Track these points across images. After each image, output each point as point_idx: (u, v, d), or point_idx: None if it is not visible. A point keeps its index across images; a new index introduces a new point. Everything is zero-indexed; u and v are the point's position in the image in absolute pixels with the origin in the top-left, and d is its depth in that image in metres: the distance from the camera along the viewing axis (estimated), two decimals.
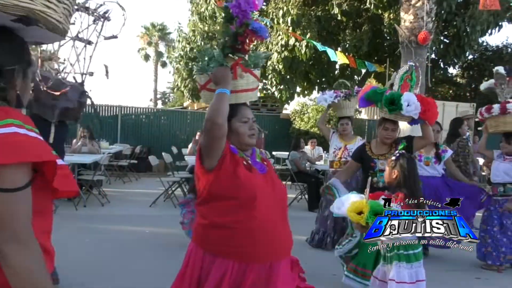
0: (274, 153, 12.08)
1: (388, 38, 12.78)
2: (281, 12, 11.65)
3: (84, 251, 4.93)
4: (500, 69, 5.10)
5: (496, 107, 4.89)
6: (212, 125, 1.98)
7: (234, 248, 2.00)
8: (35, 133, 1.13)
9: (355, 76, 14.29)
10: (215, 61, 2.18)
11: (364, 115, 16.79)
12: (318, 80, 13.67)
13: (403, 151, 3.14)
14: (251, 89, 2.23)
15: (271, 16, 11.96)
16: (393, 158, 3.06)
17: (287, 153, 9.79)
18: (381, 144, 3.89)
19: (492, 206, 4.95)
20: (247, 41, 2.18)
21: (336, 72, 13.66)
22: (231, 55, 2.21)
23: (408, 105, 3.55)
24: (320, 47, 10.62)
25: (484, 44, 16.62)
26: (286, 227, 2.13)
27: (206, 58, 2.22)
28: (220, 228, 2.03)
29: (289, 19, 11.44)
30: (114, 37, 2.03)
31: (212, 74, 2.12)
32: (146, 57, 33.28)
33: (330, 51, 10.68)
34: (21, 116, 1.14)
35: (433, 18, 9.45)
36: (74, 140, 9.19)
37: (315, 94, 14.23)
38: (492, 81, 5.22)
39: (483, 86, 5.48)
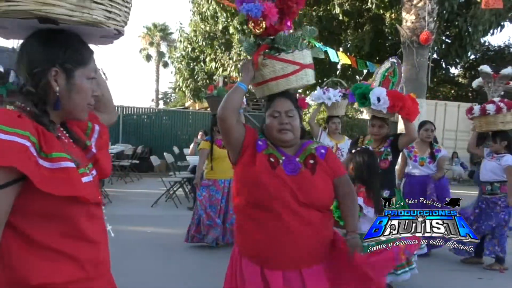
0: None
1: (389, 38, 12.78)
2: None
3: None
4: (485, 68, 5.19)
5: (476, 108, 5.00)
6: (218, 118, 1.98)
7: (251, 250, 1.92)
8: (15, 135, 1.08)
9: (357, 76, 14.28)
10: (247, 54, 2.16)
11: (365, 115, 16.79)
12: (320, 80, 13.67)
13: (367, 146, 3.26)
14: (281, 76, 2.03)
15: None
16: (353, 151, 3.19)
17: None
18: (373, 140, 4.00)
19: (483, 204, 4.98)
20: (252, 26, 2.05)
21: (337, 72, 13.65)
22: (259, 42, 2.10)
23: (377, 99, 3.60)
24: (321, 47, 10.60)
25: (486, 44, 16.61)
26: (313, 234, 1.89)
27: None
28: (240, 227, 1.98)
29: None
30: None
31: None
32: (148, 57, 33.33)
33: (331, 52, 10.68)
34: (6, 118, 1.10)
35: (435, 18, 9.44)
36: None
37: None
38: (481, 79, 5.30)
39: (475, 83, 5.58)
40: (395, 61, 3.89)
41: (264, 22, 2.01)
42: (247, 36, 2.24)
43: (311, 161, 1.97)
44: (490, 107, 4.82)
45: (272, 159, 1.95)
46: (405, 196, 5.05)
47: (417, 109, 3.74)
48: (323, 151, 2.01)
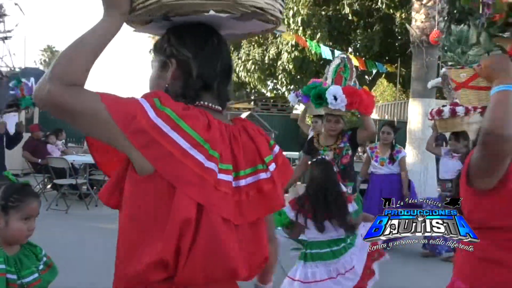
0: (284, 153, 12.09)
1: (399, 38, 12.72)
2: (291, 12, 11.64)
3: (95, 251, 4.97)
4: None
5: (446, 110, 5.07)
6: (495, 139, 1.40)
7: None
8: None
9: (366, 76, 14.22)
10: (479, 48, 1.65)
11: (375, 115, 16.71)
12: None
13: (323, 156, 3.27)
14: None
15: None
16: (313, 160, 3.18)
17: (297, 153, 9.78)
18: (328, 136, 3.90)
19: (440, 202, 5.07)
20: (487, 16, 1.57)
21: None
22: (501, 35, 1.61)
23: (334, 99, 3.53)
24: (325, 52, 10.52)
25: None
26: None
27: (460, 45, 1.67)
28: (498, 266, 1.52)
29: (299, 19, 11.43)
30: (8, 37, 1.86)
31: (482, 67, 1.55)
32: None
33: (337, 54, 10.64)
34: None
35: (445, 18, 9.37)
36: None
37: None
38: (439, 79, 5.37)
39: (430, 84, 5.64)
40: (345, 56, 3.86)
41: None
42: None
43: None
44: (460, 109, 4.91)
45: None
46: (369, 191, 5.51)
47: (373, 102, 3.68)
48: None
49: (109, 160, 1.22)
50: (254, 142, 1.18)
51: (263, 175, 1.17)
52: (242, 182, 1.13)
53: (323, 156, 3.71)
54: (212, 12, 1.10)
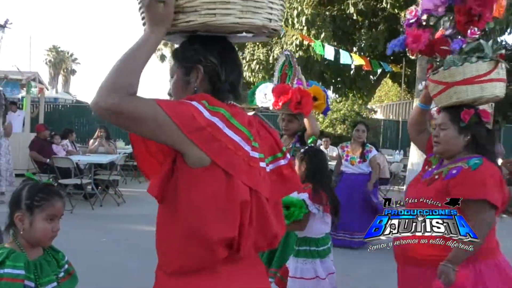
0: None
1: None
2: (295, 12, 11.63)
3: (100, 251, 4.99)
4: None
5: None
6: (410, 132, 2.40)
7: None
8: None
9: (371, 76, 14.18)
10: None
11: (379, 114, 16.69)
12: (333, 80, 13.62)
13: (312, 145, 3.19)
14: (434, 95, 2.25)
15: (285, 16, 11.94)
16: (302, 151, 3.09)
17: None
18: (287, 136, 3.78)
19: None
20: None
21: (351, 72, 13.59)
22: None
23: (264, 96, 3.58)
24: (327, 52, 10.47)
25: (503, 43, 16.35)
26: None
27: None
28: None
29: (303, 19, 11.41)
30: None
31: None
32: (162, 58, 33.62)
33: (343, 54, 10.60)
34: None
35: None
36: (91, 140, 9.32)
37: (329, 94, 14.15)
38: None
39: (421, 86, 5.62)
40: (289, 53, 3.76)
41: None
42: None
43: (436, 177, 1.98)
44: None
45: (426, 166, 2.15)
46: (339, 191, 5.11)
47: (310, 102, 3.51)
48: (454, 171, 1.91)
49: (152, 164, 1.40)
50: (271, 134, 1.40)
51: (282, 162, 1.39)
52: (268, 169, 1.34)
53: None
54: (244, 34, 1.29)
